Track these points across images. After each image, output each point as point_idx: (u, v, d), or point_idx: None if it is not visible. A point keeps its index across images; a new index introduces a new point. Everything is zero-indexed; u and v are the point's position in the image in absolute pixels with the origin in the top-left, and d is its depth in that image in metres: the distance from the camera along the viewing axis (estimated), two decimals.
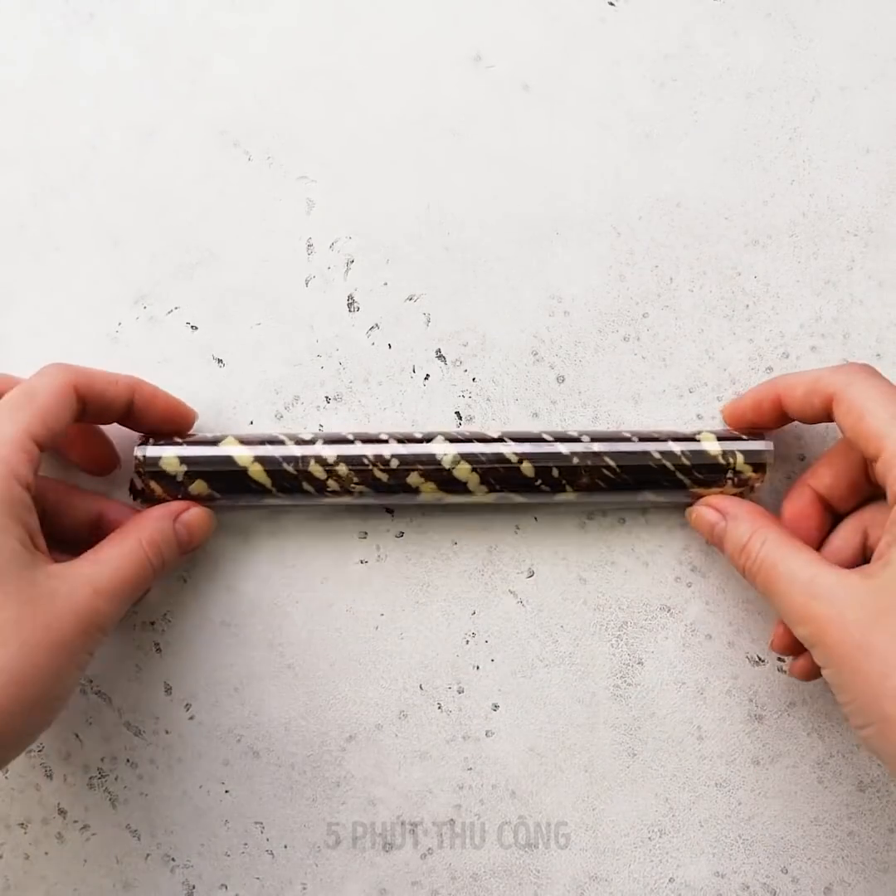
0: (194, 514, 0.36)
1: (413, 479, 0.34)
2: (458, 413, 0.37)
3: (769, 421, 0.35)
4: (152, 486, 0.35)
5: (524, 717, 0.37)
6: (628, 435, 0.35)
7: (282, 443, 0.35)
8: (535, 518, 0.37)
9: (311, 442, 0.35)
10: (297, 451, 0.35)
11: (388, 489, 0.35)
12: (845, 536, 0.34)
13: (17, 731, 0.30)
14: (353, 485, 0.35)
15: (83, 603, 0.31)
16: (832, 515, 0.34)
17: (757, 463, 0.34)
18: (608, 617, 0.37)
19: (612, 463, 0.34)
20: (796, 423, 0.35)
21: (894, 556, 0.29)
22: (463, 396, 0.38)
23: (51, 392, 0.32)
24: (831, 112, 0.38)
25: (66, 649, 0.30)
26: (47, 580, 0.30)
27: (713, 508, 0.34)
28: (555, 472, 0.34)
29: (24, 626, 0.29)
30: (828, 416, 0.32)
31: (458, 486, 0.35)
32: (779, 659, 0.36)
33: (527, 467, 0.34)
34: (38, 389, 0.32)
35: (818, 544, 0.34)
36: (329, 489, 0.35)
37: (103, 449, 0.37)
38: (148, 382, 0.35)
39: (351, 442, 0.35)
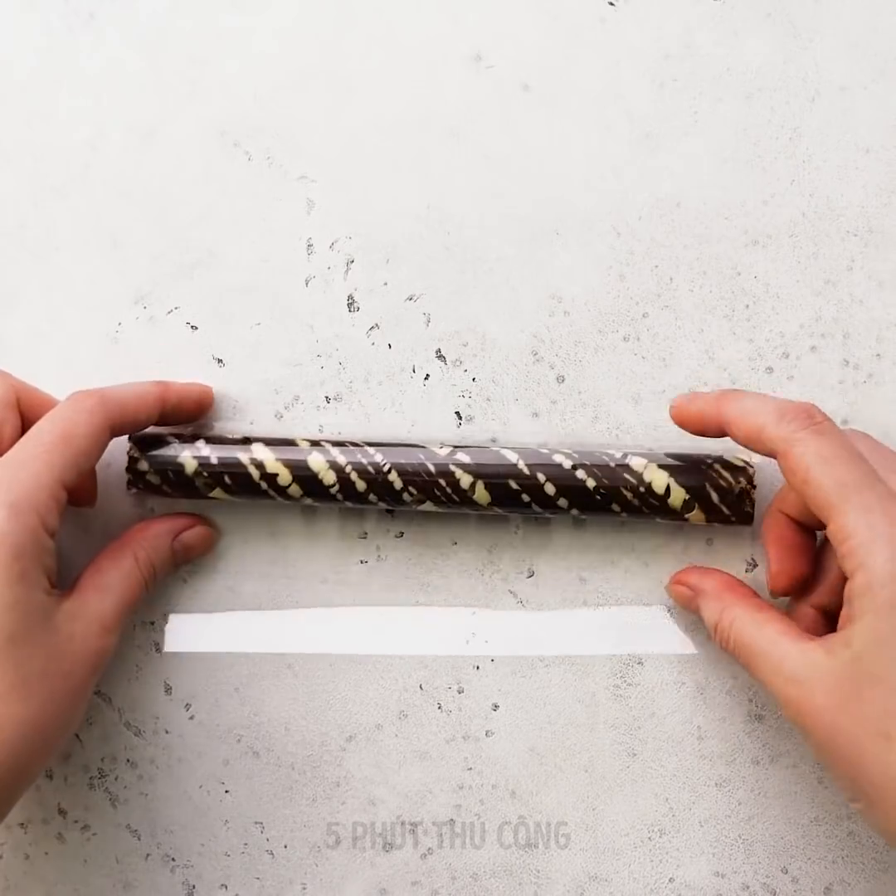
0: (196, 533, 0.35)
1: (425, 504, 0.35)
2: (458, 413, 0.37)
3: (713, 435, 0.33)
4: (148, 477, 0.35)
5: (524, 717, 0.37)
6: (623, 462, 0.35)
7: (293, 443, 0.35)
8: (536, 518, 0.37)
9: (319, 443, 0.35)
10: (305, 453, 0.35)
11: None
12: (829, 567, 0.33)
13: (34, 774, 0.31)
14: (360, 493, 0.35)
15: (96, 644, 0.31)
16: (813, 533, 0.34)
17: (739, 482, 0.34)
18: (608, 617, 0.37)
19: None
20: None
21: (854, 634, 0.28)
22: (463, 396, 0.38)
23: (88, 436, 0.31)
24: (831, 112, 0.38)
25: (83, 693, 0.31)
26: (65, 625, 0.31)
27: (684, 585, 0.35)
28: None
29: (49, 678, 0.30)
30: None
31: (472, 505, 0.35)
32: None
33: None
34: (75, 432, 0.31)
35: (810, 568, 0.33)
36: (332, 492, 0.35)
37: (90, 483, 0.36)
38: (173, 387, 0.35)
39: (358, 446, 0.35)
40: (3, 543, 0.29)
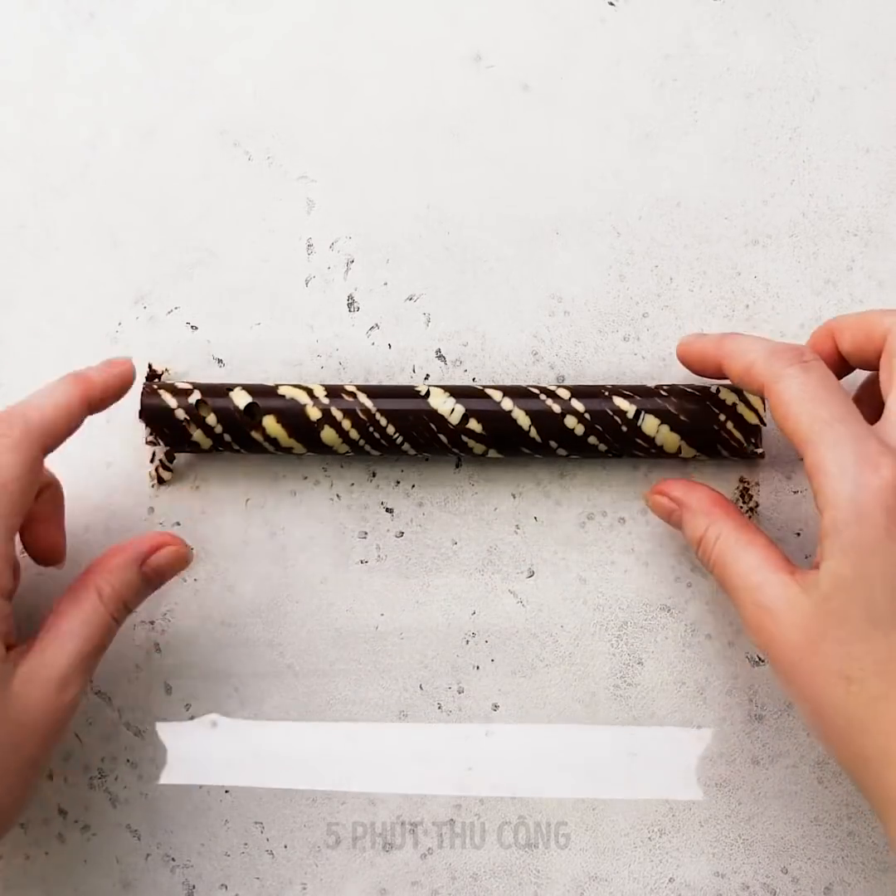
0: (166, 554, 0.32)
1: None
2: None
3: (711, 376, 0.34)
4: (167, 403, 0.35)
5: (524, 717, 0.37)
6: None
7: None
8: (535, 518, 0.37)
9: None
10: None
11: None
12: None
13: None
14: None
15: (53, 703, 0.29)
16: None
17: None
18: (608, 617, 0.37)
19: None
20: None
21: (822, 575, 0.28)
22: None
23: (22, 477, 0.29)
24: (831, 112, 0.38)
25: (37, 763, 0.29)
26: (22, 690, 0.29)
27: (667, 497, 0.34)
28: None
29: (5, 753, 0.28)
30: None
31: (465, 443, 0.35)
32: None
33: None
34: (7, 477, 0.28)
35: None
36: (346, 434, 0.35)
37: (56, 538, 0.34)
38: (93, 377, 0.32)
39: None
40: None
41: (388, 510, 0.37)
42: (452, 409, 0.35)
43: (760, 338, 0.32)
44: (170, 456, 0.37)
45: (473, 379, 0.38)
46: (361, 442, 0.35)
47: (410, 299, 0.38)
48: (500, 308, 0.38)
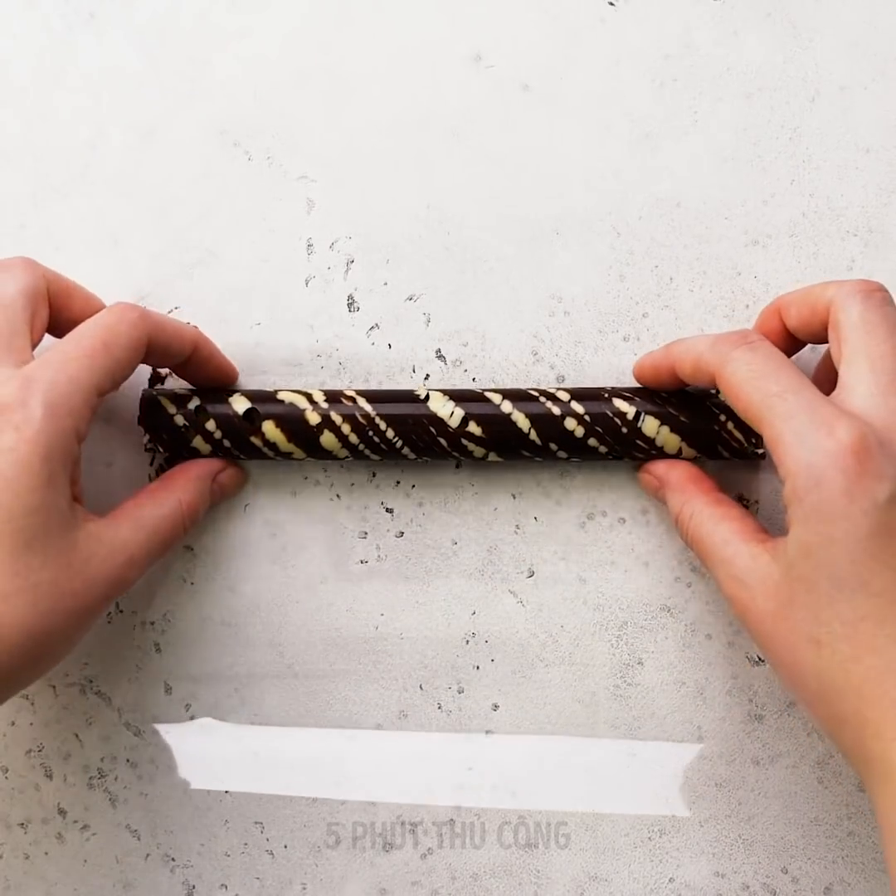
0: (230, 474, 0.35)
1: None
2: None
3: (670, 385, 0.34)
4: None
5: (524, 717, 0.37)
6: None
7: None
8: (535, 518, 0.37)
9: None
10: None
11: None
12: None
13: (27, 681, 0.30)
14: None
15: (115, 572, 0.30)
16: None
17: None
18: (608, 617, 0.37)
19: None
20: None
21: (788, 542, 0.28)
22: None
23: (128, 347, 0.31)
24: (831, 112, 0.38)
25: (87, 616, 0.30)
26: (87, 543, 0.30)
27: (651, 475, 0.35)
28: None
29: (57, 590, 0.29)
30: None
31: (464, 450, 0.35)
32: None
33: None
34: (116, 342, 0.30)
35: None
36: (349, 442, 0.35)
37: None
38: (209, 341, 0.35)
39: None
40: (35, 443, 0.28)
41: (388, 510, 0.37)
42: (452, 413, 0.35)
43: (706, 334, 0.32)
44: (171, 458, 0.37)
45: (473, 379, 0.38)
46: (361, 446, 0.35)
47: (410, 299, 0.38)
48: (500, 308, 0.38)
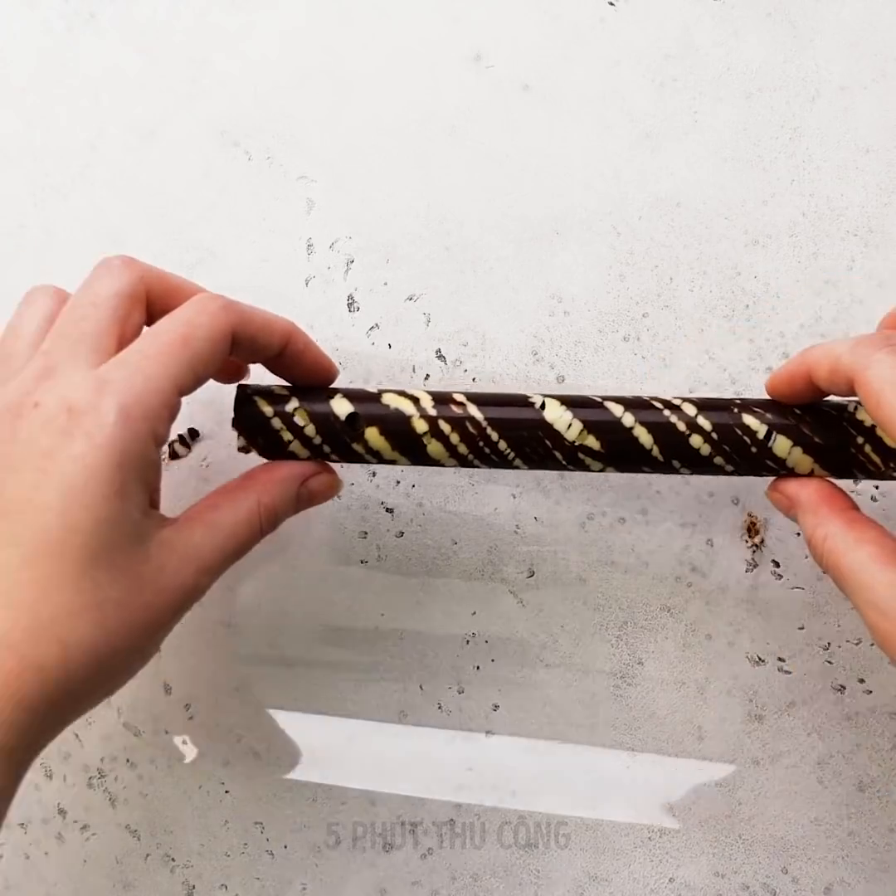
0: (323, 480, 0.32)
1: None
2: None
3: (807, 396, 0.31)
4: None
5: (524, 717, 0.37)
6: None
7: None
8: (535, 518, 0.37)
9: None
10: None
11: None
12: None
13: (93, 702, 0.28)
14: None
15: (188, 581, 0.28)
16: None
17: None
18: (608, 617, 0.37)
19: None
20: None
21: None
22: None
23: (209, 340, 0.28)
24: (831, 112, 0.38)
25: (159, 628, 0.28)
26: (158, 552, 0.28)
27: (782, 495, 0.32)
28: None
29: (126, 606, 0.27)
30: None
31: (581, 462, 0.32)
32: (779, 659, 0.36)
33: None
34: (195, 335, 0.28)
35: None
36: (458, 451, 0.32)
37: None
38: (304, 334, 0.32)
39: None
40: (108, 450, 0.26)
41: (388, 510, 0.37)
42: (570, 425, 0.32)
43: (845, 339, 0.30)
44: (192, 432, 0.36)
45: (473, 379, 0.38)
46: (471, 456, 0.32)
47: (410, 299, 0.38)
48: (500, 308, 0.38)
